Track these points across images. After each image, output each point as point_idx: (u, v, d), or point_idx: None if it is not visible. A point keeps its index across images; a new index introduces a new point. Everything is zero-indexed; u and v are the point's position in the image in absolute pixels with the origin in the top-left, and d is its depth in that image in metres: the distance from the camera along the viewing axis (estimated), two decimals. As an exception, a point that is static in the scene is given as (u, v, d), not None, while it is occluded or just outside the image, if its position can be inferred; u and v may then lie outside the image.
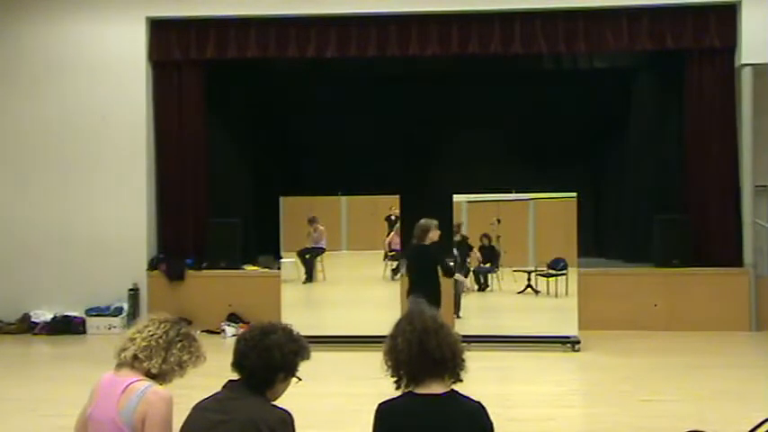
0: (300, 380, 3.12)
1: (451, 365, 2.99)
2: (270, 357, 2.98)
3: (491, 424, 2.95)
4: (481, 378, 6.75)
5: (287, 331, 3.10)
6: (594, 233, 12.34)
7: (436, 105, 12.31)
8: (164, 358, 3.20)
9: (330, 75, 12.15)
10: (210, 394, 3.07)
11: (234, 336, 9.52)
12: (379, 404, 2.99)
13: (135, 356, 3.19)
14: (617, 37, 10.49)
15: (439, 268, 7.74)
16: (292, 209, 9.94)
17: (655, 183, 11.34)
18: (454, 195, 9.53)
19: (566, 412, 6.77)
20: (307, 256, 10.05)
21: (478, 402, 2.99)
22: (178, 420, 3.07)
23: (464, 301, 9.53)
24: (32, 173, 10.91)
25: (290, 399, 3.11)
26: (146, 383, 3.14)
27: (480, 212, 9.71)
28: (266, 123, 12.56)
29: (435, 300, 7.15)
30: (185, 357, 3.25)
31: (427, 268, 7.56)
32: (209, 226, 10.97)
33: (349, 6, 10.58)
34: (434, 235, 7.67)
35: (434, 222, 7.76)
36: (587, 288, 9.55)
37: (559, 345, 9.14)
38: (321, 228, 10.06)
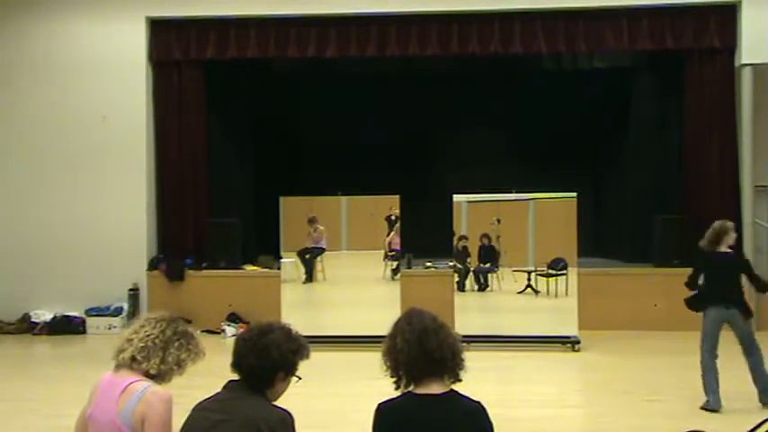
0: (300, 379, 3.12)
1: (451, 365, 2.99)
2: (268, 357, 2.98)
3: (491, 424, 2.95)
4: (481, 378, 6.76)
5: (285, 330, 3.10)
6: (594, 233, 12.32)
7: (436, 105, 12.29)
8: (162, 358, 3.18)
9: (330, 75, 12.14)
10: (211, 394, 3.07)
11: (234, 336, 9.52)
12: (379, 404, 2.99)
13: (133, 358, 3.17)
14: (617, 37, 10.49)
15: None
16: (292, 209, 9.94)
17: (655, 183, 11.33)
18: (454, 195, 9.53)
19: (566, 412, 6.77)
20: (307, 256, 10.04)
21: (478, 402, 2.99)
22: (178, 420, 3.07)
23: (460, 299, 9.52)
24: (32, 173, 10.90)
25: (290, 399, 3.11)
26: (145, 384, 3.13)
27: (480, 212, 9.71)
28: (266, 123, 12.55)
29: (749, 312, 6.78)
30: (184, 356, 3.23)
31: (738, 278, 6.94)
32: (209, 226, 10.96)
33: (349, 6, 10.58)
34: (730, 239, 6.89)
35: (731, 225, 6.96)
36: (587, 288, 9.54)
37: (559, 345, 9.14)
38: (321, 228, 10.05)
